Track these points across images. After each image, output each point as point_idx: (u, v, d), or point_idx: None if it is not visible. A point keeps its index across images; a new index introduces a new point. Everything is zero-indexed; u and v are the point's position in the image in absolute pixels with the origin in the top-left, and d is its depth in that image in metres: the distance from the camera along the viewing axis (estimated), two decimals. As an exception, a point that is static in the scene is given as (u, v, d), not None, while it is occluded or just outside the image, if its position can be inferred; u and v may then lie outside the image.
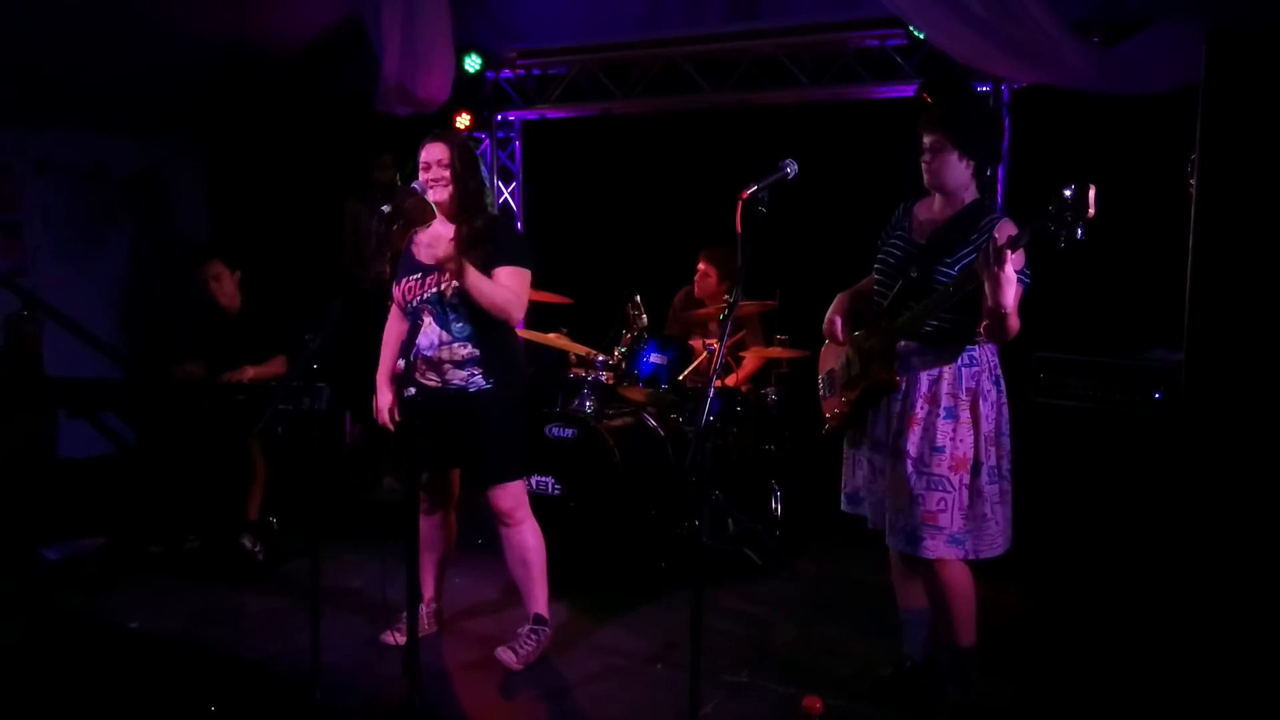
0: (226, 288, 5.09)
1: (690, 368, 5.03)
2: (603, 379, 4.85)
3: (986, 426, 3.10)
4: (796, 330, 5.13)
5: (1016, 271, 2.91)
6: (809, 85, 5.68)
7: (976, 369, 3.11)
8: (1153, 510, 4.10)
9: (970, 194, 3.17)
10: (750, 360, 5.36)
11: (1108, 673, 3.65)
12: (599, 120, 6.49)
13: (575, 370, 5.07)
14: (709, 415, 2.80)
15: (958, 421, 3.09)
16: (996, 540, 3.14)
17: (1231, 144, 3.40)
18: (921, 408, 3.11)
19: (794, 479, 5.31)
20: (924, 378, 3.12)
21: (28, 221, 6.28)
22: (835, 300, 3.44)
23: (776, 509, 5.20)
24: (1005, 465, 3.16)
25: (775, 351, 5.13)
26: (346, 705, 3.35)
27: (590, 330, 5.22)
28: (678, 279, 5.68)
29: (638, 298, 5.00)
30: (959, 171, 3.12)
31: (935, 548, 3.09)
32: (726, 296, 5.23)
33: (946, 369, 3.10)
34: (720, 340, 2.97)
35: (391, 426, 3.71)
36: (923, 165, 3.17)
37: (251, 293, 5.19)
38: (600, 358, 4.88)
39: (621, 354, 4.91)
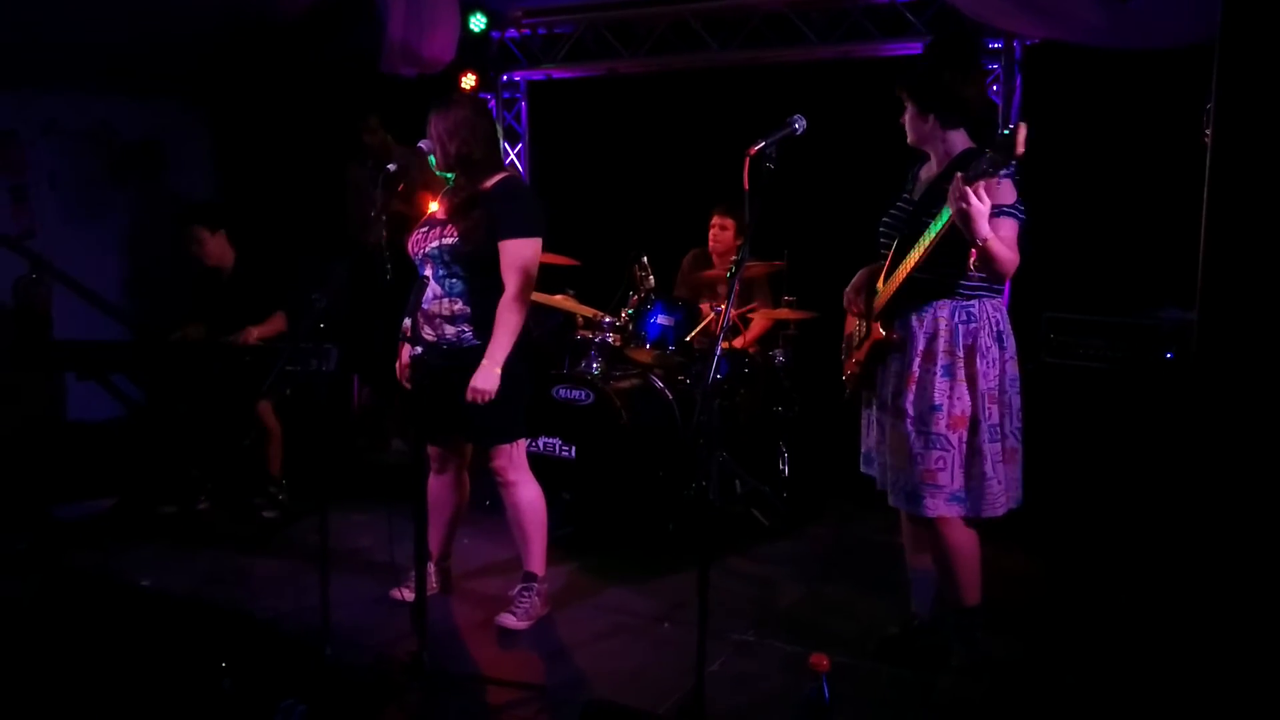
0: (210, 250, 5.10)
1: (697, 329, 5.02)
2: (610, 340, 4.84)
3: (985, 384, 3.08)
4: (805, 291, 5.11)
5: (1006, 206, 2.95)
6: (818, 43, 5.62)
7: (974, 325, 3.09)
8: (1163, 471, 4.09)
9: (958, 145, 3.17)
10: (758, 321, 5.34)
11: (1115, 632, 3.66)
12: (605, 80, 6.44)
13: (582, 332, 5.06)
14: (716, 375, 2.79)
15: (954, 380, 3.07)
16: (999, 499, 3.13)
17: (1249, 94, 3.34)
18: (919, 366, 3.11)
19: (802, 440, 5.31)
20: (921, 336, 3.11)
21: (35, 185, 6.27)
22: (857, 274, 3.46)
23: (784, 470, 5.20)
24: (1012, 423, 3.15)
25: (783, 313, 5.12)
26: (356, 662, 3.38)
27: (597, 292, 5.21)
28: (685, 240, 5.66)
29: (645, 259, 4.98)
30: (919, 126, 3.19)
31: (935, 506, 3.10)
32: (734, 258, 5.21)
33: (943, 326, 3.09)
34: (727, 300, 2.96)
35: (406, 384, 3.71)
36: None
37: (251, 252, 5.19)
38: (607, 319, 4.87)
39: (629, 315, 4.90)
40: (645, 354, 4.95)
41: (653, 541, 4.51)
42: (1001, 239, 2.97)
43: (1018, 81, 5.33)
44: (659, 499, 4.61)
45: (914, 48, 5.39)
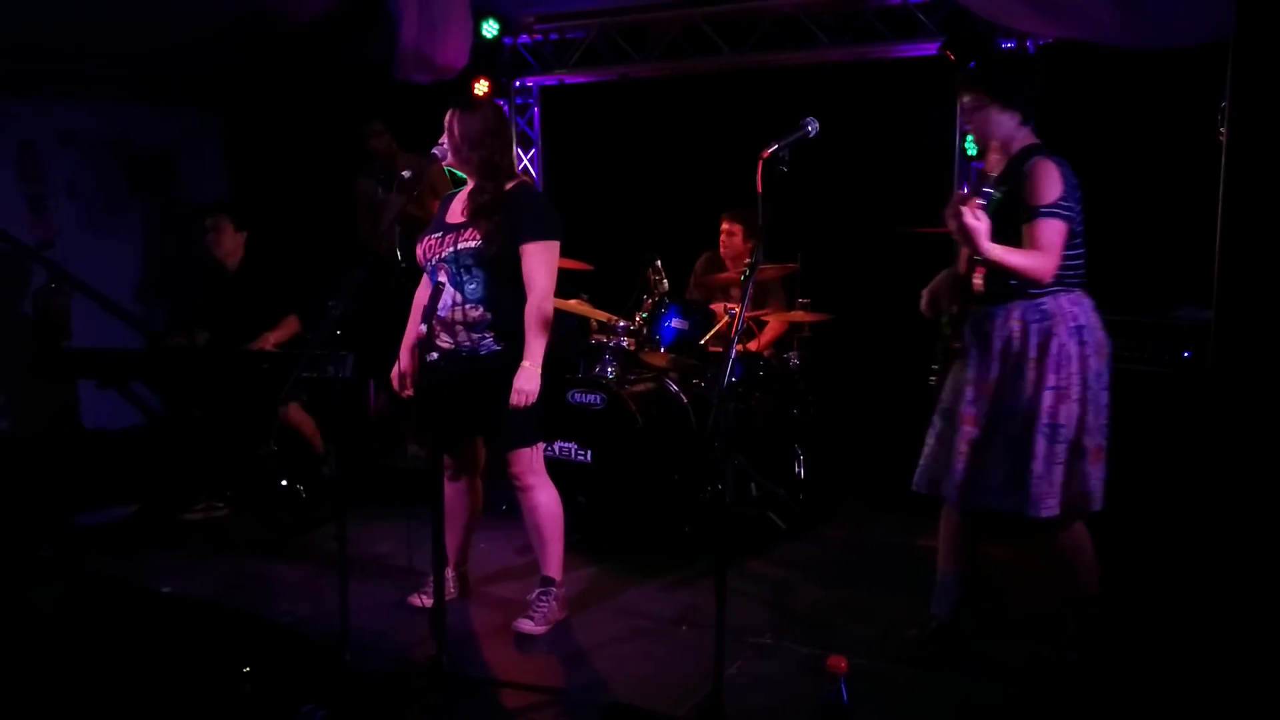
0: (224, 242, 5.14)
1: (712, 332, 5.02)
2: (624, 344, 4.85)
3: (1053, 382, 3.03)
4: (819, 293, 5.10)
5: (1044, 205, 2.95)
6: (830, 45, 5.62)
7: (1048, 323, 3.04)
8: (1182, 470, 4.07)
9: (1020, 142, 3.14)
10: (773, 324, 5.34)
11: (1135, 633, 3.64)
12: (618, 84, 6.45)
13: (596, 336, 5.07)
14: (730, 378, 2.80)
15: (1022, 380, 3.05)
16: (1047, 499, 3.08)
17: (1264, 92, 3.33)
18: (995, 369, 3.09)
19: (817, 443, 5.30)
20: (996, 339, 3.10)
21: (53, 194, 6.32)
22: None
23: (799, 473, 5.19)
24: (1097, 421, 3.09)
25: (797, 315, 5.11)
26: (376, 667, 3.40)
27: (611, 296, 5.21)
28: (699, 243, 5.66)
29: (658, 262, 4.99)
30: (1003, 124, 3.12)
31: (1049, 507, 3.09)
32: (748, 260, 5.21)
33: (1015, 327, 3.07)
34: (742, 303, 2.96)
35: (403, 393, 3.72)
36: (969, 126, 3.19)
37: (264, 257, 5.23)
38: (621, 323, 4.88)
39: (643, 319, 4.91)
40: (660, 358, 4.96)
41: (669, 545, 4.52)
42: (1041, 245, 2.94)
43: (1031, 81, 5.31)
44: (675, 502, 4.61)
45: (926, 49, 5.38)
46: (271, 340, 4.92)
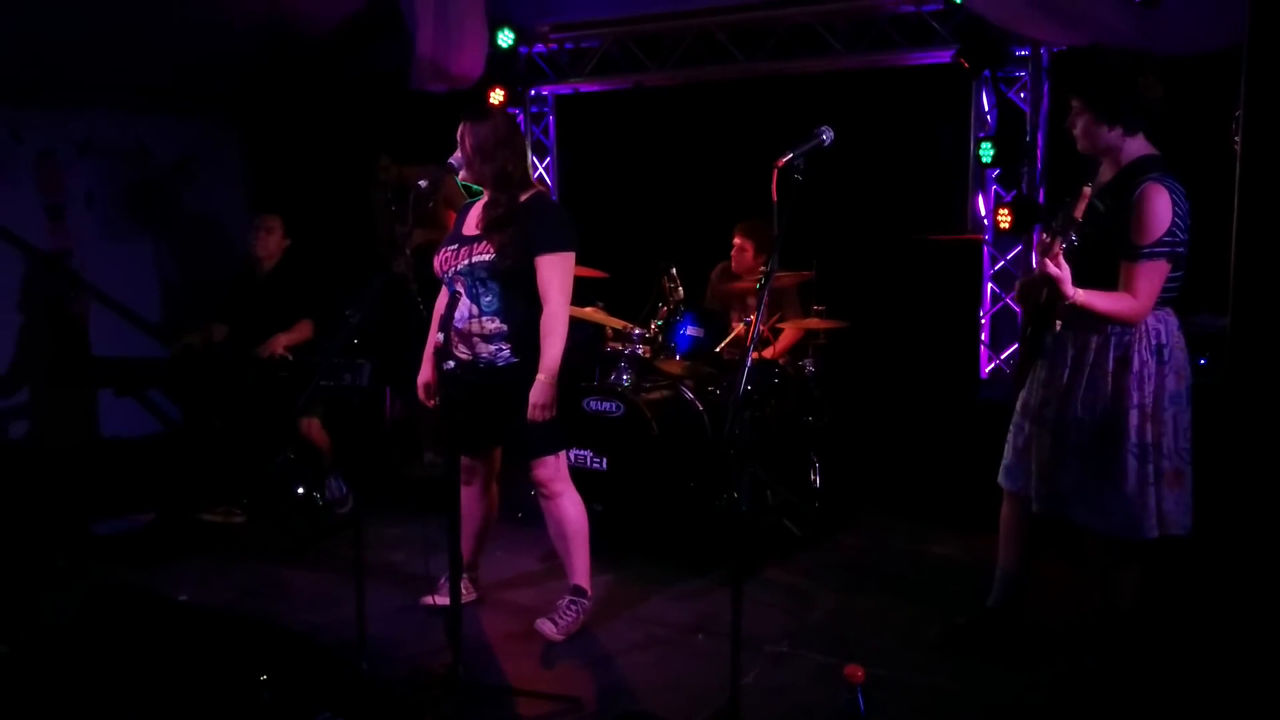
0: (269, 244, 5.21)
1: (727, 340, 5.03)
2: (640, 352, 4.86)
3: (1136, 400, 2.99)
4: (834, 301, 5.10)
5: (1145, 246, 2.88)
6: (844, 53, 5.64)
7: (1127, 338, 3.00)
8: (1197, 478, 4.04)
9: (1135, 150, 3.05)
10: (788, 332, 5.34)
11: (1154, 640, 3.62)
12: (632, 93, 6.47)
13: (612, 344, 5.08)
14: (746, 386, 2.80)
15: (1096, 392, 3.03)
16: (1148, 521, 3.04)
17: (1278, 99, 3.32)
18: (1066, 377, 3.08)
19: (833, 450, 5.30)
20: (1070, 346, 3.08)
21: (72, 204, 6.35)
22: None
23: (815, 480, 5.19)
24: (1177, 443, 3.04)
25: (813, 323, 5.11)
26: (392, 674, 3.40)
27: (627, 304, 5.22)
28: (714, 251, 5.66)
29: (674, 270, 4.99)
30: (1102, 135, 3.04)
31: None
32: (763, 269, 5.21)
33: (1092, 336, 3.03)
34: (757, 311, 2.97)
35: (428, 402, 3.74)
36: (1074, 130, 3.11)
37: (297, 264, 5.27)
38: (637, 331, 4.88)
39: (658, 327, 4.92)
40: (675, 365, 4.96)
41: (685, 552, 4.52)
42: (1136, 289, 2.90)
43: (1045, 88, 5.32)
44: (691, 510, 4.61)
45: (940, 56, 5.40)
46: (282, 342, 4.94)
